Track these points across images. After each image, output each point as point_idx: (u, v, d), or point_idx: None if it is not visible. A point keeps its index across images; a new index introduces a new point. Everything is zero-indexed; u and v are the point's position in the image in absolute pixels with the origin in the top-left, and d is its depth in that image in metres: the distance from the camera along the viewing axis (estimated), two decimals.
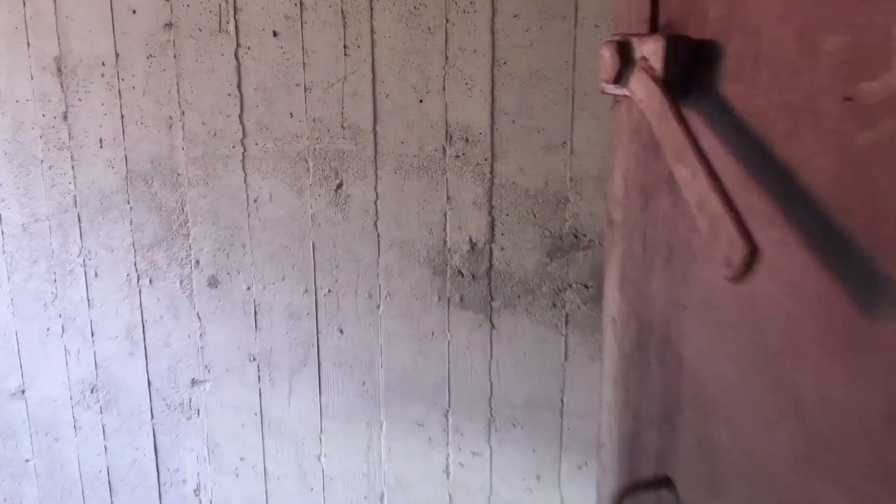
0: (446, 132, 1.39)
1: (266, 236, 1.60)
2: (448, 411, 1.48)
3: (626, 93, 0.71)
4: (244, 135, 1.57)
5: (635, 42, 0.70)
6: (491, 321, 1.40)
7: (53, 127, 1.77)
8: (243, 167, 1.59)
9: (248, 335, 1.68)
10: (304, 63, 1.49)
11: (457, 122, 1.37)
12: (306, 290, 1.58)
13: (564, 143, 1.29)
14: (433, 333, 1.47)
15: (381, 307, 1.51)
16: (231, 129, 1.58)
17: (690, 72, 0.67)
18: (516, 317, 1.38)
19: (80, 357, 1.92)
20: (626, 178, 0.81)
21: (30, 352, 1.99)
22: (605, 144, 1.26)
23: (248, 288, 1.65)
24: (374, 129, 1.45)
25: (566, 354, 1.34)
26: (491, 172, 1.36)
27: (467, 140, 1.37)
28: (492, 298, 1.39)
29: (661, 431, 0.75)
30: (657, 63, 0.66)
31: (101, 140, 1.73)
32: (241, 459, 1.76)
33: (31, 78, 1.76)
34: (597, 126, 1.26)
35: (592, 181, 1.28)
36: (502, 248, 1.37)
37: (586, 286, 1.31)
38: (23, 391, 2.03)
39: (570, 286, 1.32)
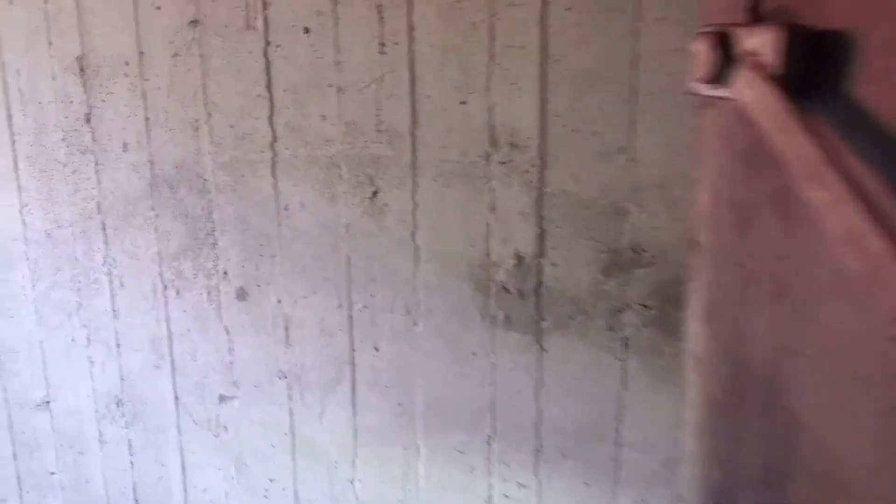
0: (491, 136, 1.27)
1: (297, 247, 1.50)
2: (491, 438, 1.37)
3: (727, 94, 0.59)
4: (274, 139, 1.48)
5: (739, 34, 0.58)
6: (540, 343, 1.28)
7: (76, 129, 1.70)
8: (273, 173, 1.49)
9: (278, 351, 1.58)
10: (337, 62, 1.38)
11: (503, 126, 1.26)
12: (339, 305, 1.48)
13: (623, 148, 1.17)
14: (475, 354, 1.35)
15: (420, 325, 1.40)
16: (260, 133, 1.49)
17: (811, 69, 0.54)
18: (568, 339, 1.26)
19: (105, 369, 1.85)
20: (716, 195, 0.69)
21: (54, 362, 1.92)
22: (669, 150, 1.14)
23: (279, 301, 1.55)
24: (413, 132, 1.34)
25: (624, 381, 1.22)
26: (540, 180, 1.24)
27: (514, 145, 1.25)
28: (541, 318, 1.28)
29: (763, 497, 0.63)
30: (772, 59, 0.54)
31: (124, 143, 1.65)
32: (271, 481, 1.67)
33: (53, 78, 1.68)
34: (660, 130, 1.14)
35: (655, 191, 1.15)
36: (553, 264, 1.25)
37: (647, 307, 1.18)
38: (47, 402, 1.97)
39: (629, 307, 1.20)
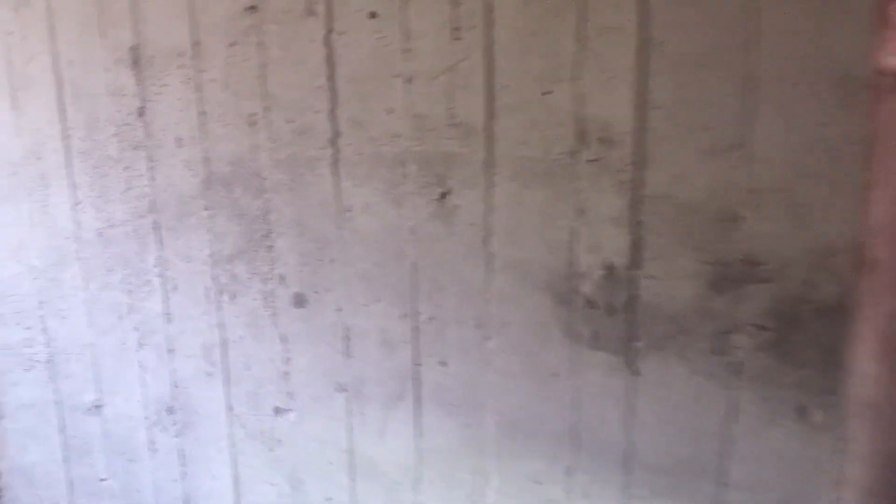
0: (579, 131, 1.13)
1: (358, 251, 1.38)
2: (572, 469, 1.23)
3: None
4: (335, 134, 1.36)
5: None
6: (631, 365, 1.14)
7: (129, 124, 1.61)
8: (334, 171, 1.38)
9: (336, 362, 1.47)
10: (405, 49, 1.26)
11: (593, 119, 1.12)
12: (404, 315, 1.36)
13: (737, 144, 1.01)
14: (556, 375, 1.21)
15: (492, 340, 1.27)
16: (320, 128, 1.37)
17: None
18: (666, 362, 1.11)
19: (156, 375, 1.77)
20: None
21: (106, 366, 1.85)
22: (793, 147, 0.98)
23: (339, 309, 1.43)
24: (489, 127, 1.21)
25: (732, 412, 1.07)
26: (636, 181, 1.09)
27: (606, 141, 1.11)
28: (634, 338, 1.13)
29: None
30: None
31: (178, 138, 1.55)
32: (328, 500, 1.56)
33: (106, 70, 1.60)
34: (782, 123, 0.98)
35: (775, 194, 0.99)
36: (650, 276, 1.10)
37: (763, 328, 1.02)
38: (98, 407, 1.90)
39: (740, 327, 1.04)
